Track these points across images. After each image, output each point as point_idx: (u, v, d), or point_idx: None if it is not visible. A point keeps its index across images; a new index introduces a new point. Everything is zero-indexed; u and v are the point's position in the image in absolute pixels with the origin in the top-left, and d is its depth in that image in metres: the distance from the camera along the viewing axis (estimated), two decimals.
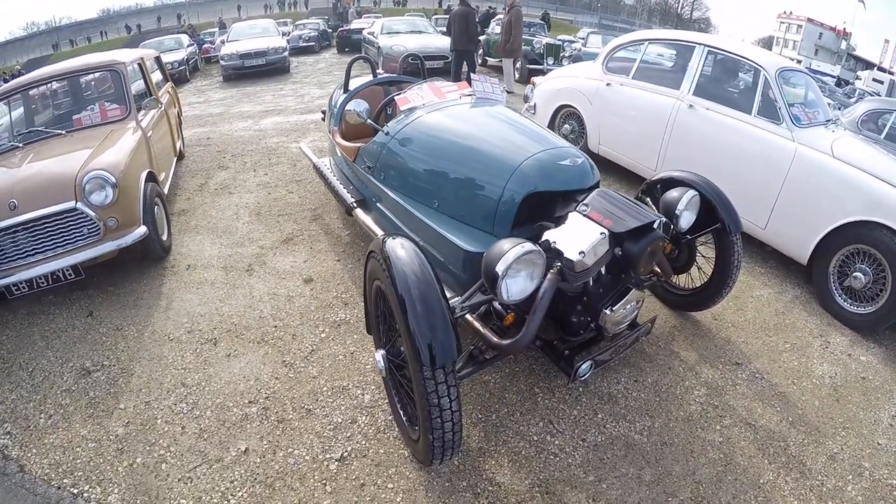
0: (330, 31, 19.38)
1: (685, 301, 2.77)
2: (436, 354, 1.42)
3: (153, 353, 2.57)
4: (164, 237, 3.35)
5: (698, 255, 2.57)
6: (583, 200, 1.95)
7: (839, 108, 7.24)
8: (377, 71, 3.99)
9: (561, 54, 10.35)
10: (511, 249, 1.61)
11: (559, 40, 11.30)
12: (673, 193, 2.21)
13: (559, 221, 1.94)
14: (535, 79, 5.45)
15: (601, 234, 1.79)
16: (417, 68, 3.77)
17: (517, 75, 9.30)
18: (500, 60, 8.86)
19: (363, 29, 13.72)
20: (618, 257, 1.87)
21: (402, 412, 1.96)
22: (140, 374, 2.44)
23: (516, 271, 1.62)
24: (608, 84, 4.36)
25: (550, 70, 10.32)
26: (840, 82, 22.55)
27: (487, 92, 2.89)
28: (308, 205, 4.06)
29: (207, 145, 6.16)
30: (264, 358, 2.52)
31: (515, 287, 1.64)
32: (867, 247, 2.76)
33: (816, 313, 3.03)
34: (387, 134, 2.72)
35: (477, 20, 8.62)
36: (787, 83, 3.33)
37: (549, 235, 1.83)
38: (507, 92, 8.50)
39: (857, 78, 26.74)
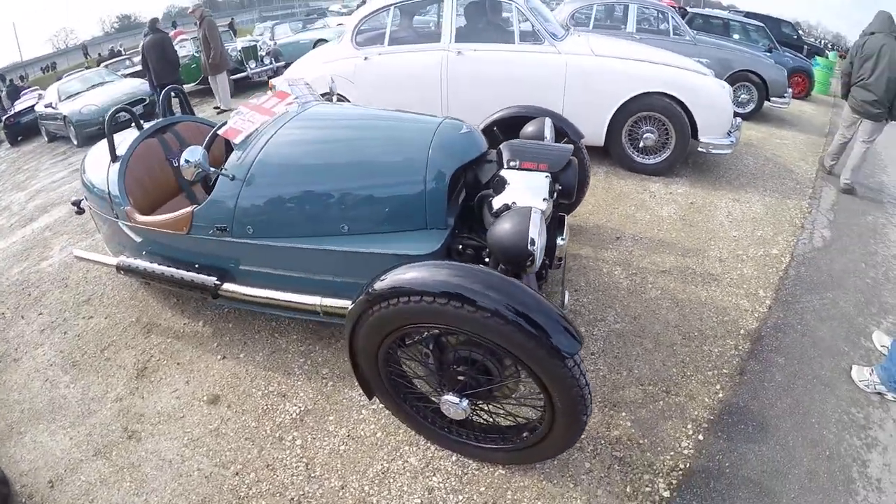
0: None
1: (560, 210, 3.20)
2: (570, 341, 1.36)
3: None
4: None
5: None
6: (506, 158, 2.00)
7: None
8: (140, 122, 3.04)
9: (259, 54, 9.70)
10: (529, 218, 1.57)
11: (251, 41, 10.48)
12: (529, 128, 2.44)
13: (495, 185, 1.93)
14: (273, 81, 4.95)
15: (546, 177, 1.90)
16: (130, 123, 2.98)
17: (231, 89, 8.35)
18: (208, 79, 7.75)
19: (33, 106, 10.20)
20: (558, 191, 2.01)
21: (501, 440, 1.77)
22: None
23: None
24: (365, 58, 4.23)
25: (259, 72, 9.85)
26: None
27: (306, 94, 2.60)
28: (126, 320, 2.89)
29: None
30: None
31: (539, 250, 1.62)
32: (648, 112, 3.67)
33: (628, 176, 3.90)
34: (233, 179, 2.09)
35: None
36: (529, 5, 3.92)
37: (503, 199, 1.83)
38: (224, 110, 7.54)
39: None
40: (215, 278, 2.26)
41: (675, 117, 3.68)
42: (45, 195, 5.72)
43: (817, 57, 10.12)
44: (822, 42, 19.83)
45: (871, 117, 3.99)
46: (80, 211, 3.09)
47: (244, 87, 9.33)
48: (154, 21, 6.89)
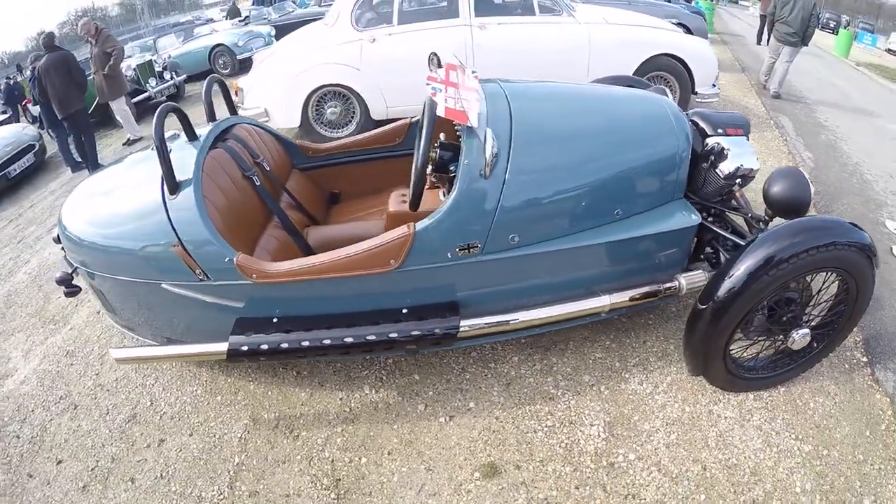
0: None
1: None
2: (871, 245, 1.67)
3: None
4: None
5: None
6: (709, 126, 2.02)
7: None
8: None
9: (157, 70, 8.05)
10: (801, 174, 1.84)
11: (142, 58, 8.61)
12: None
13: (717, 153, 1.95)
14: (238, 82, 4.21)
15: (746, 139, 2.06)
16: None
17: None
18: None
19: None
20: None
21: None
22: None
23: None
24: (373, 40, 3.89)
25: (162, 89, 8.00)
26: None
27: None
28: (232, 427, 2.04)
29: None
30: None
31: None
32: (657, 72, 3.99)
33: None
34: (482, 175, 1.64)
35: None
36: None
37: (732, 163, 1.91)
38: (135, 139, 6.18)
39: None
40: (449, 320, 1.75)
41: (680, 76, 4.10)
42: None
43: (699, 1, 11.77)
44: None
45: (791, 45, 5.55)
46: (75, 291, 2.05)
47: (147, 109, 7.48)
48: (50, 37, 5.19)
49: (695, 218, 1.85)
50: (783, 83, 5.88)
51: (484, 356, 2.19)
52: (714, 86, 4.31)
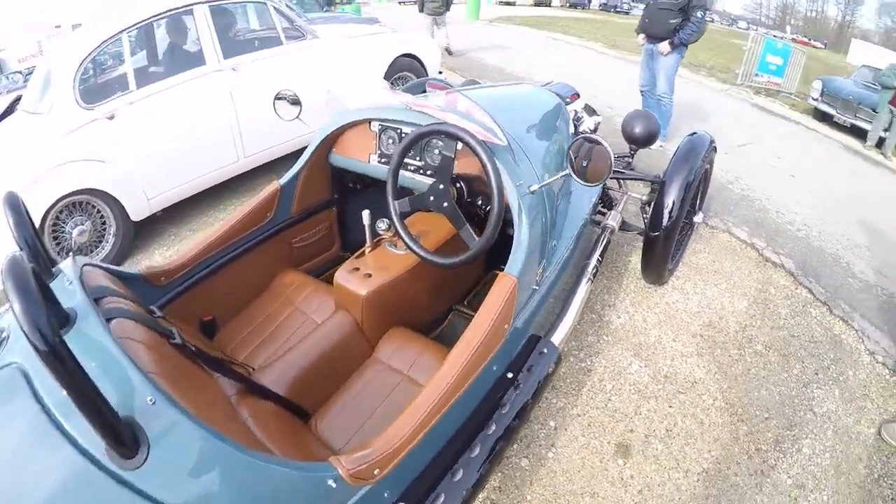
0: None
1: None
2: None
3: None
4: None
5: None
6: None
7: None
8: None
9: None
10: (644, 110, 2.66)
11: None
12: None
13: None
14: None
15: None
16: None
17: None
18: None
19: None
20: None
21: None
22: None
23: None
24: (112, 117, 2.71)
25: None
26: None
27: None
28: None
29: None
30: None
31: None
32: (405, 72, 4.39)
33: None
34: (531, 191, 1.58)
35: None
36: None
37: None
38: None
39: None
40: (548, 352, 1.63)
41: (417, 70, 4.63)
42: None
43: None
44: None
45: (441, 14, 7.72)
46: None
47: None
48: None
49: None
50: (451, 41, 8.50)
51: None
52: (441, 72, 5.05)
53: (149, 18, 2.94)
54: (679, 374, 2.34)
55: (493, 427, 1.40)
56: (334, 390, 1.64)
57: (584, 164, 1.49)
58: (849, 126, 7.15)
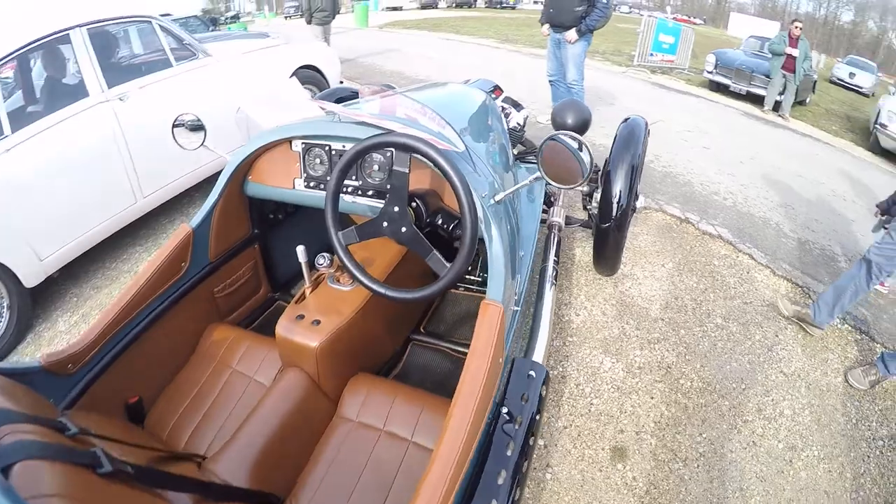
0: None
1: None
2: None
3: None
4: None
5: None
6: None
7: None
8: None
9: None
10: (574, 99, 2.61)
11: None
12: None
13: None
14: None
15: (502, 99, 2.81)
16: None
17: None
18: None
19: None
20: None
21: None
22: None
23: None
24: None
25: None
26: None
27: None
28: None
29: None
30: None
31: None
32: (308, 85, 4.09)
33: None
34: (497, 201, 1.45)
35: None
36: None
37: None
38: None
39: None
40: (536, 374, 1.44)
41: (318, 82, 4.36)
42: None
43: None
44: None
45: (328, 23, 7.15)
46: None
47: None
48: None
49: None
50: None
51: None
52: (342, 82, 4.77)
53: (17, 51, 2.44)
54: (651, 362, 2.29)
55: (503, 476, 1.20)
56: (304, 464, 1.39)
57: (555, 164, 1.34)
58: (745, 94, 7.74)
